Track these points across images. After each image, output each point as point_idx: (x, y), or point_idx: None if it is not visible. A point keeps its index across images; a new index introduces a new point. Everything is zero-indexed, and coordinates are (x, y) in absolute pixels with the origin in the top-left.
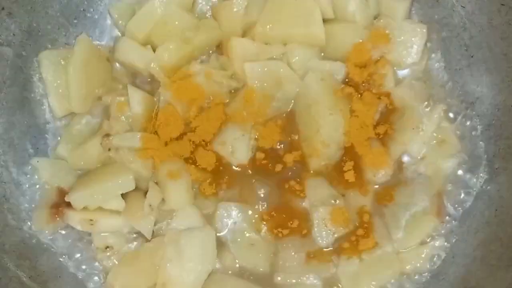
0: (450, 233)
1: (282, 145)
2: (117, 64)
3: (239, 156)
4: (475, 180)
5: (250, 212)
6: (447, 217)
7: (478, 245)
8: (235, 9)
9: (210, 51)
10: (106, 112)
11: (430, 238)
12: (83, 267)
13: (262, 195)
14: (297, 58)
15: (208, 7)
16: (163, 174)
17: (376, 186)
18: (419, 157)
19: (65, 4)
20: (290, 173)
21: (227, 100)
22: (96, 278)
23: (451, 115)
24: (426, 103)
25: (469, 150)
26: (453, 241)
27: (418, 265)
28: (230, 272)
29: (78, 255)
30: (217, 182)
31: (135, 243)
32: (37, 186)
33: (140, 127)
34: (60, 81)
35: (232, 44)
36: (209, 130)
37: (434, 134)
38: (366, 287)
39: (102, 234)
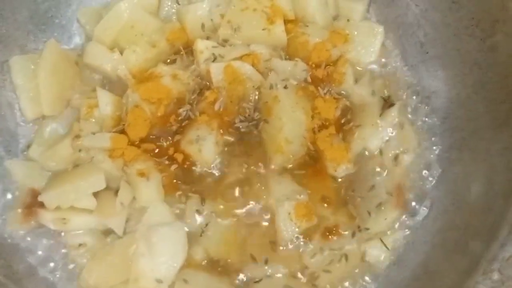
0: (411, 222)
1: (247, 143)
2: (86, 68)
3: (206, 154)
4: (433, 171)
5: (220, 206)
6: (407, 207)
7: (437, 232)
8: (199, 12)
9: (176, 53)
10: (76, 114)
11: (391, 229)
12: (57, 265)
13: (229, 191)
14: (260, 58)
15: (173, 10)
16: (133, 173)
17: (339, 180)
18: (378, 152)
19: (33, 10)
20: (255, 169)
21: (195, 101)
22: (69, 275)
23: (408, 109)
24: (384, 99)
25: (426, 142)
26: (413, 229)
27: (380, 253)
28: (200, 264)
29: (52, 253)
30: (186, 180)
31: (107, 239)
32: (10, 187)
33: (109, 128)
34: (30, 85)
35: (197, 46)
36: (176, 130)
37: (392, 130)
38: (330, 276)
39: (75, 232)
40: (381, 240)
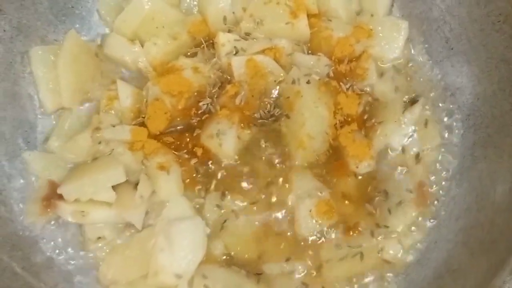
0: (433, 220)
1: (269, 138)
2: (106, 60)
3: (226, 149)
4: (456, 168)
5: (238, 202)
6: (429, 205)
7: (459, 230)
8: (221, 5)
9: (197, 46)
10: (96, 106)
11: (413, 227)
12: (75, 258)
13: (249, 187)
14: (282, 52)
15: (195, 2)
16: (153, 166)
17: (360, 177)
18: (401, 149)
19: (54, 1)
20: (276, 165)
21: (215, 94)
22: (87, 269)
23: (432, 106)
24: (407, 96)
25: (450, 139)
26: (436, 227)
27: (402, 252)
28: (219, 259)
29: (70, 246)
30: (205, 174)
31: (126, 233)
32: (29, 179)
33: (129, 120)
34: (50, 76)
35: (218, 39)
36: (196, 123)
37: (415, 127)
38: (342, 273)
39: (93, 225)
40: (398, 239)
